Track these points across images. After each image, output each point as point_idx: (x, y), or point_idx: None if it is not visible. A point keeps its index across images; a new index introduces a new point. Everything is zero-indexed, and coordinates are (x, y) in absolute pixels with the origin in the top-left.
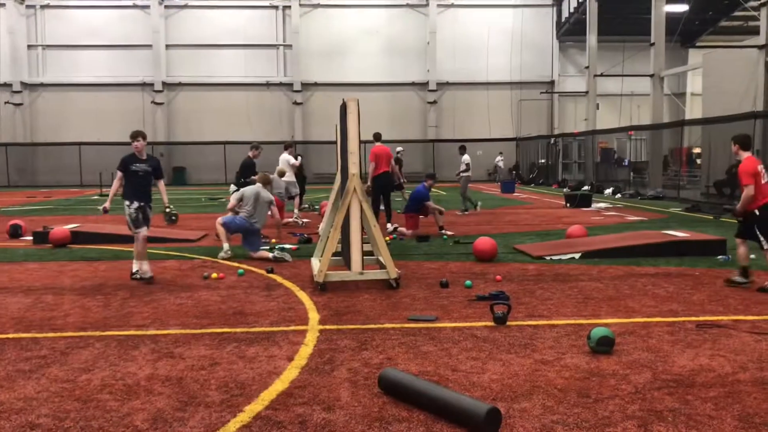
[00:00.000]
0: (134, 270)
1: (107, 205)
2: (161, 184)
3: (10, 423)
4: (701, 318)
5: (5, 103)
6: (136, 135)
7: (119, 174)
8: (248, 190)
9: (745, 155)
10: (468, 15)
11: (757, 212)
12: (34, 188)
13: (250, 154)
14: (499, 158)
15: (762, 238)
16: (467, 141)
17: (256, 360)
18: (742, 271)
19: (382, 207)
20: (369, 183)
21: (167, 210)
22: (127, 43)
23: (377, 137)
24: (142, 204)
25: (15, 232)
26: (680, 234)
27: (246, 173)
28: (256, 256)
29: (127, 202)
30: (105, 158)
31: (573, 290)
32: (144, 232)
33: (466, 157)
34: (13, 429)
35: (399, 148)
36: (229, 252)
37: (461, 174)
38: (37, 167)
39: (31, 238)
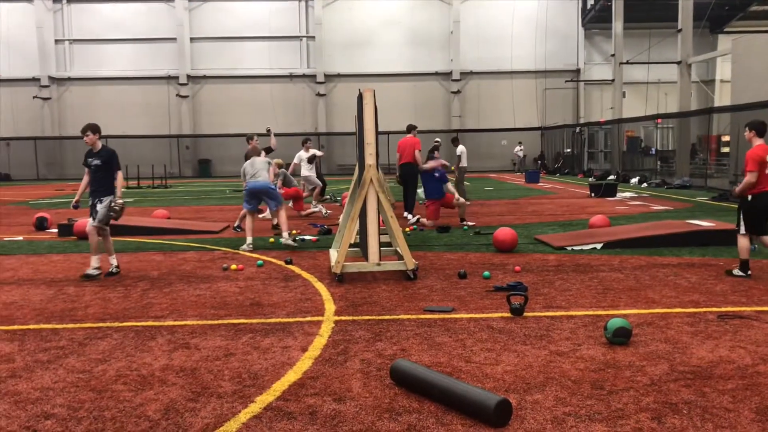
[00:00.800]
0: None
1: (74, 200)
2: (119, 176)
3: (26, 412)
4: (723, 309)
5: (33, 97)
6: (85, 129)
7: (86, 169)
8: (245, 165)
9: (758, 142)
10: (491, 3)
11: (749, 198)
12: (63, 181)
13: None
14: (518, 148)
15: (742, 223)
16: (492, 131)
17: (271, 351)
18: None
19: None
20: (398, 173)
21: (112, 204)
22: (152, 37)
23: (409, 129)
24: (92, 198)
25: (41, 225)
26: (704, 223)
27: None
28: (280, 214)
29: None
30: (131, 151)
31: (593, 281)
32: (89, 225)
33: (460, 148)
34: (28, 418)
35: (437, 139)
36: (251, 245)
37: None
38: (66, 160)
39: (56, 230)
